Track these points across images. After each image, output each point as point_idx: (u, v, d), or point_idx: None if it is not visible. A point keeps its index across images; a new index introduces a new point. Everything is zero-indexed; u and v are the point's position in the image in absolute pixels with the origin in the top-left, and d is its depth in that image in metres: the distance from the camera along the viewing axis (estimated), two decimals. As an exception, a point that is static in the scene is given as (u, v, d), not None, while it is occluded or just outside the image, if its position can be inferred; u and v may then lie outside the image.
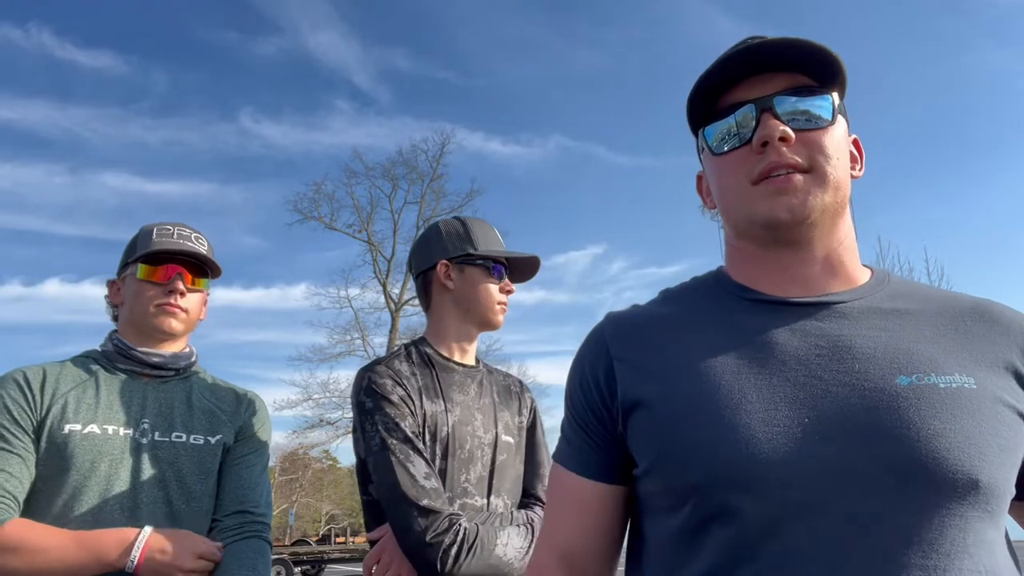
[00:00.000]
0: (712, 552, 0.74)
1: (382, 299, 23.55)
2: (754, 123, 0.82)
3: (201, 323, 1.69)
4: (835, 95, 0.84)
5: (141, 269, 1.56)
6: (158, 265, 1.57)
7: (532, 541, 1.44)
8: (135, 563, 1.33)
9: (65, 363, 1.54)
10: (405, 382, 1.49)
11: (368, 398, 1.47)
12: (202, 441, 1.55)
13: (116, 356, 1.55)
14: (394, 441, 1.40)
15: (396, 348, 1.64)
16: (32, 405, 1.42)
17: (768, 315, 0.83)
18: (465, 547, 1.33)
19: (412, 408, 1.46)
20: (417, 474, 1.38)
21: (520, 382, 1.77)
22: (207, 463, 1.55)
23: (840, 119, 0.85)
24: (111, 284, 1.66)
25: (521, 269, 1.71)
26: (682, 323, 0.87)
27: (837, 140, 0.83)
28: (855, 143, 0.92)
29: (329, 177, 27.18)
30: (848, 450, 0.71)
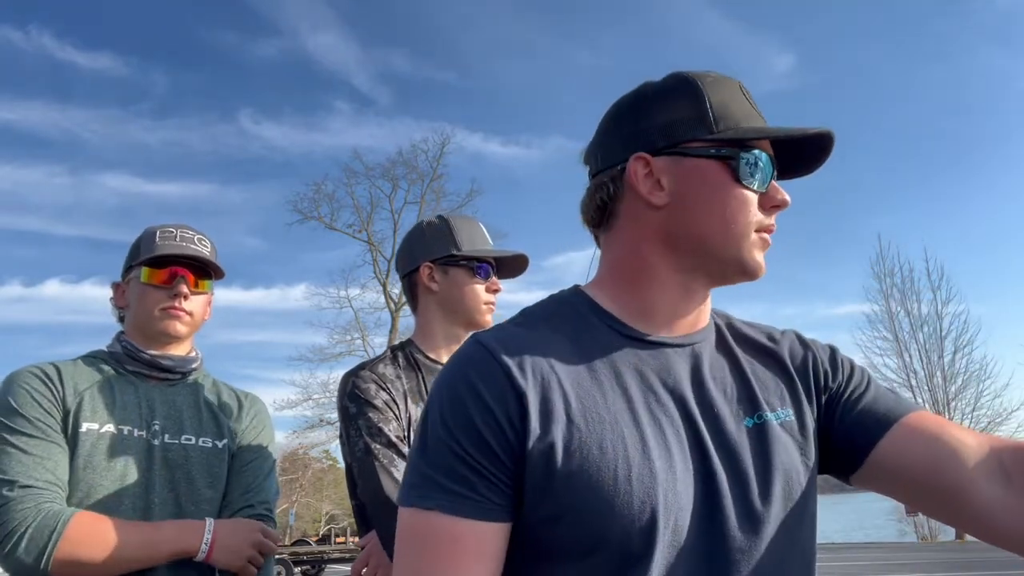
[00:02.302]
0: None
1: (382, 299, 23.60)
2: (770, 179, 0.85)
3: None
4: None
5: (144, 272, 1.57)
6: (161, 268, 1.58)
7: None
8: (207, 551, 1.38)
9: (76, 362, 1.55)
10: (389, 386, 1.48)
11: (352, 403, 1.46)
12: (210, 444, 1.56)
13: (124, 358, 1.56)
14: (378, 446, 1.40)
15: (383, 351, 1.63)
16: (56, 399, 1.44)
17: (653, 356, 0.85)
18: None
19: (396, 412, 1.45)
20: (401, 479, 1.36)
21: None
22: (215, 467, 1.56)
23: None
24: (116, 287, 1.67)
25: (510, 265, 1.68)
26: (571, 355, 0.83)
27: None
28: None
29: (329, 177, 27.23)
30: (725, 496, 0.78)
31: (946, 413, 22.11)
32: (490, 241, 1.67)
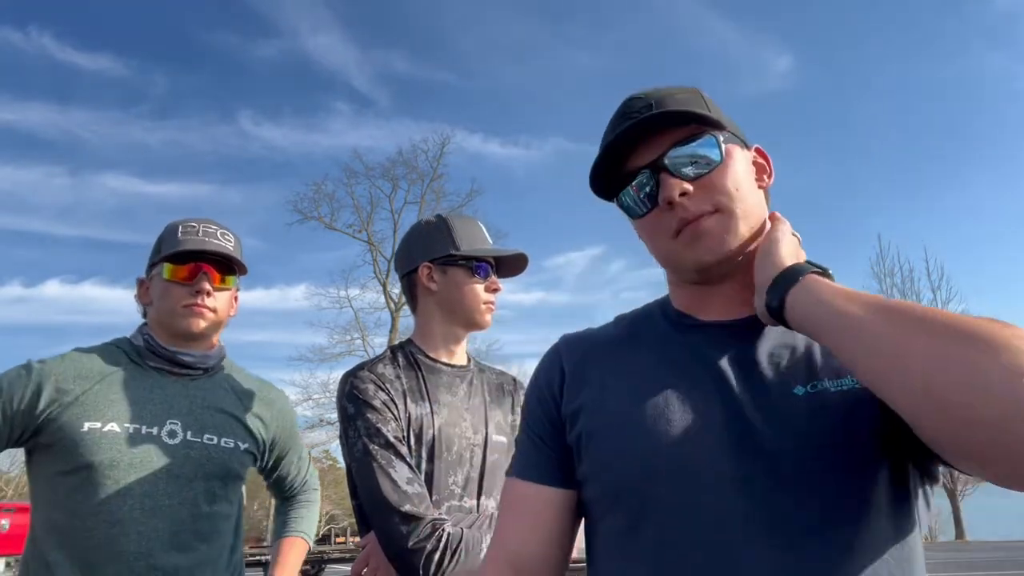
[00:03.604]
0: (639, 552, 0.81)
1: (382, 299, 23.57)
2: (655, 184, 0.88)
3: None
4: (718, 134, 0.89)
5: (167, 269, 1.54)
6: (183, 264, 1.55)
7: None
8: None
9: (92, 353, 1.52)
10: (388, 385, 1.47)
11: (350, 403, 1.45)
12: (232, 445, 1.56)
13: (146, 352, 1.54)
14: (375, 447, 1.38)
15: (383, 351, 1.62)
16: (23, 400, 1.41)
17: (695, 336, 0.91)
18: (448, 552, 1.31)
19: (395, 412, 1.44)
20: (399, 479, 1.36)
21: (514, 379, 1.74)
22: (235, 468, 1.56)
23: (732, 148, 0.90)
24: (140, 283, 1.64)
25: (510, 264, 1.67)
26: (624, 343, 0.96)
27: (734, 172, 0.89)
28: (759, 152, 0.97)
29: (329, 177, 27.13)
30: (747, 458, 0.79)
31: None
32: (489, 240, 1.65)
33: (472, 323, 1.60)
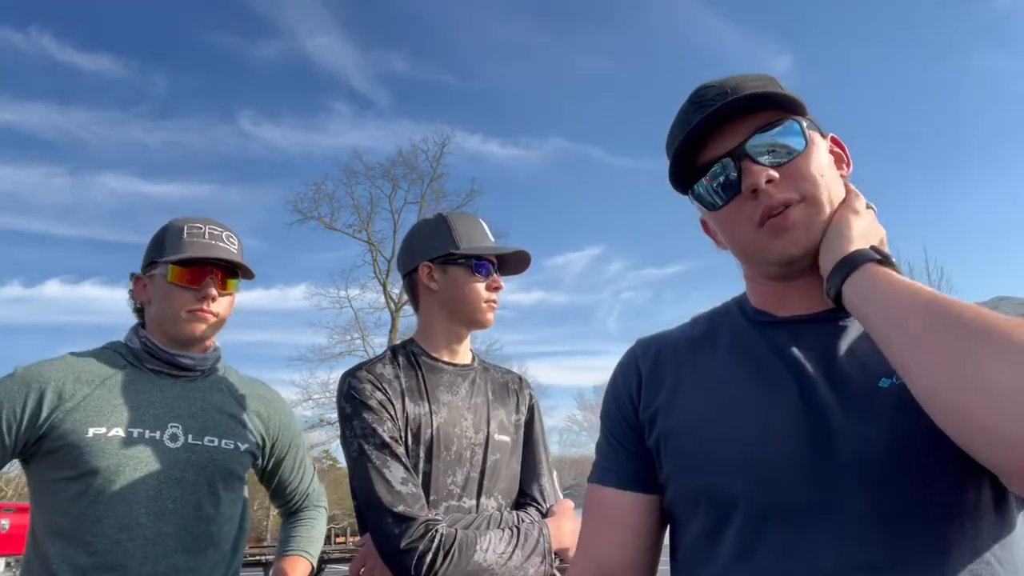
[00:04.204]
0: (721, 552, 0.80)
1: (382, 299, 23.55)
2: (736, 173, 0.84)
3: None
4: (800, 120, 0.85)
5: (172, 271, 1.51)
6: (190, 268, 1.52)
7: (517, 544, 1.41)
8: None
9: (89, 358, 1.50)
10: (386, 385, 1.46)
11: (347, 404, 1.44)
12: (232, 446, 1.55)
13: (143, 355, 1.52)
14: (370, 447, 1.38)
15: (384, 351, 1.61)
16: (26, 410, 1.39)
17: (773, 332, 0.88)
18: (441, 553, 1.30)
19: (392, 412, 1.43)
20: (393, 480, 1.35)
21: (520, 378, 1.73)
22: (236, 469, 1.55)
23: (814, 135, 0.86)
24: (136, 280, 1.61)
25: (512, 262, 1.65)
26: (701, 343, 0.94)
27: (817, 160, 0.85)
28: (834, 141, 0.93)
29: (329, 177, 27.07)
30: (831, 455, 0.76)
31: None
32: (491, 238, 1.64)
33: (474, 322, 1.59)
